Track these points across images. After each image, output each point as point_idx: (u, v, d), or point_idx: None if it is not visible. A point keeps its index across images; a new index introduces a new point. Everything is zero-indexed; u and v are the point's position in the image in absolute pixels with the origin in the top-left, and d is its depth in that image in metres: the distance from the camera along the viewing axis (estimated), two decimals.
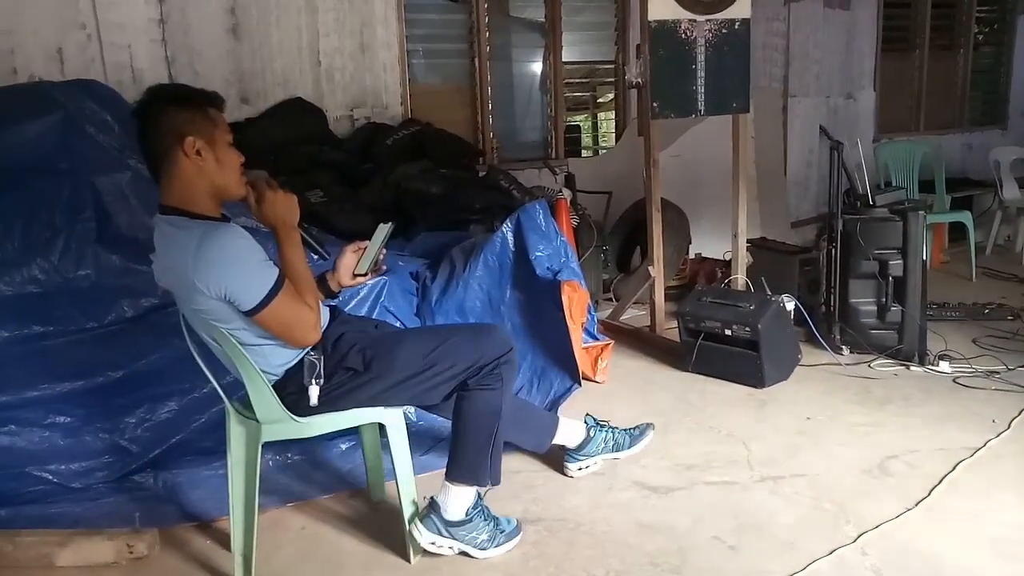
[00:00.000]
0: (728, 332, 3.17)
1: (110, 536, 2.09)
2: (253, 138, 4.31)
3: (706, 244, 5.06)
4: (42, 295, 2.52)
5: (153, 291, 2.59)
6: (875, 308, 3.40)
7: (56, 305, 2.52)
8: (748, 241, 4.14)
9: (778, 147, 6.11)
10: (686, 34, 3.53)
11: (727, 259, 4.31)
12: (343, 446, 2.68)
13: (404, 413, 2.07)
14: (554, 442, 2.42)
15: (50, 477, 2.43)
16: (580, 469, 2.45)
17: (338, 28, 4.75)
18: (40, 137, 2.61)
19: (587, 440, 2.44)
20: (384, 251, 2.09)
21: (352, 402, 1.92)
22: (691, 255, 5.00)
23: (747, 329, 3.10)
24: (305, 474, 2.57)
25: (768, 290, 3.77)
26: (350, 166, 4.27)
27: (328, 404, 1.89)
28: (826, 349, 3.44)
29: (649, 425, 2.61)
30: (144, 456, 2.54)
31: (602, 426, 2.49)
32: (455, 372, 1.93)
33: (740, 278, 3.94)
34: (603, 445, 2.46)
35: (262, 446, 1.92)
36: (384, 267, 2.13)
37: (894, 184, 5.24)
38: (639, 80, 3.65)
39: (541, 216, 3.06)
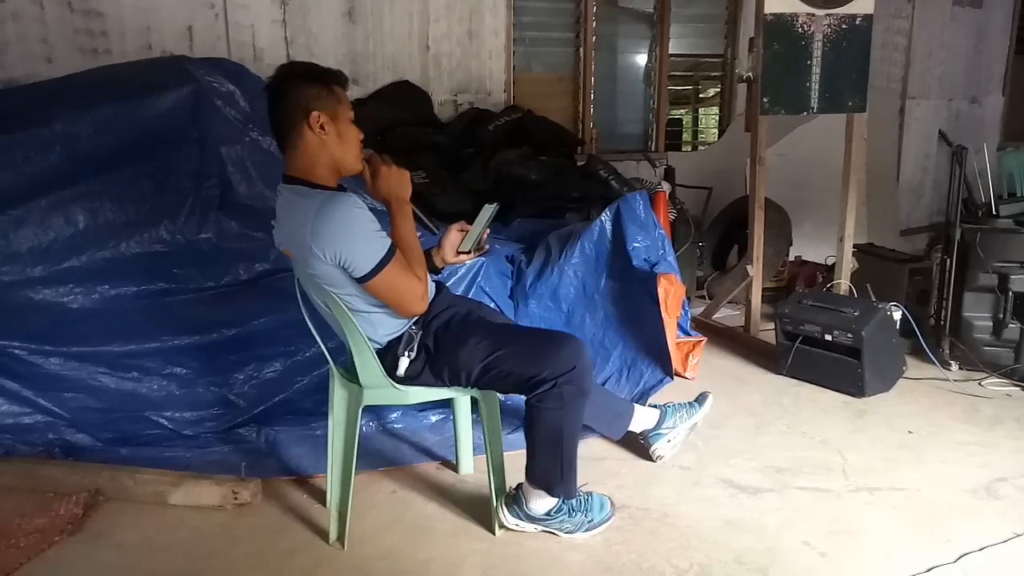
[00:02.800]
0: (828, 337, 3.07)
1: (218, 482, 2.23)
2: (360, 118, 4.44)
3: (807, 247, 4.89)
4: (167, 254, 2.69)
5: (266, 256, 2.73)
6: (991, 324, 3.22)
7: (179, 264, 2.69)
8: (855, 246, 3.98)
9: (892, 151, 5.84)
10: (803, 28, 3.42)
11: (829, 264, 4.16)
12: (433, 418, 2.77)
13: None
14: (632, 429, 2.44)
15: (165, 423, 2.62)
16: (668, 442, 2.46)
17: (448, 15, 4.84)
18: (175, 107, 2.79)
19: (662, 415, 2.46)
20: (488, 231, 2.13)
21: (433, 380, 1.98)
22: (791, 257, 4.86)
23: (849, 335, 2.99)
24: (398, 442, 2.66)
25: (873, 297, 3.62)
26: (452, 149, 4.36)
27: (414, 378, 1.97)
28: (933, 363, 3.28)
29: (705, 392, 2.62)
30: (249, 411, 2.70)
31: (668, 405, 2.51)
32: (512, 381, 1.93)
33: (844, 283, 3.80)
34: (678, 417, 2.48)
35: (362, 410, 2.01)
36: (487, 246, 2.18)
37: (1019, 195, 4.91)
38: (750, 74, 3.56)
39: (641, 207, 3.04)
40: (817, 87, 3.54)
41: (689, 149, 6.67)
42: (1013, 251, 3.12)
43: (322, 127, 1.83)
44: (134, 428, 2.58)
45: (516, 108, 4.80)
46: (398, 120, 4.48)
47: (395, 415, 2.77)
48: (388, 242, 1.83)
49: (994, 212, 3.25)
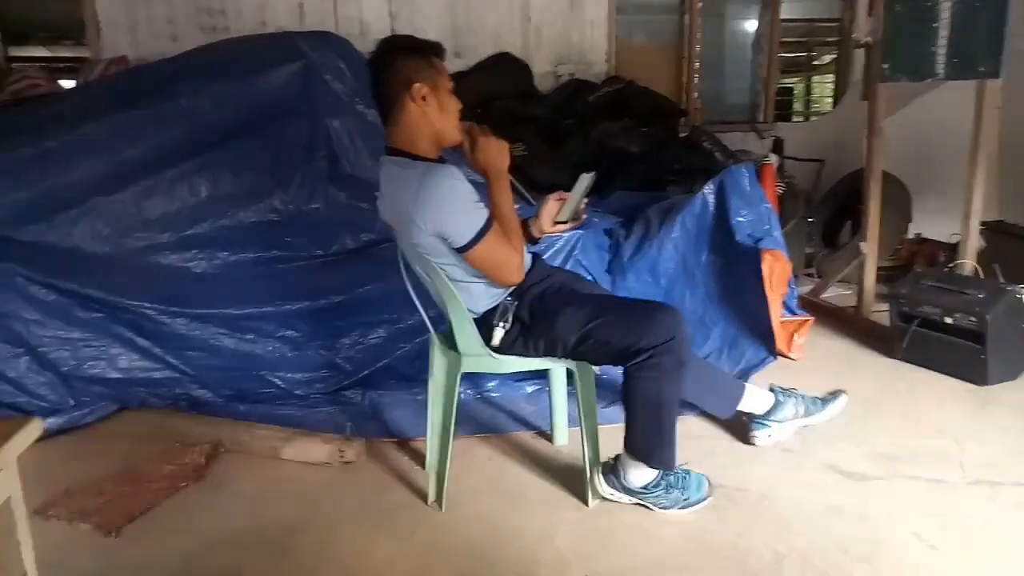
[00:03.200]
0: (949, 320, 2.88)
1: (325, 440, 2.35)
2: (462, 91, 4.47)
3: (929, 225, 4.59)
4: (280, 223, 2.83)
5: (371, 226, 2.82)
6: None
7: (291, 233, 2.83)
8: (983, 224, 3.70)
9: None
10: None
11: (952, 243, 3.89)
12: (529, 389, 2.80)
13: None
14: (740, 409, 2.35)
15: (279, 383, 2.77)
16: (769, 436, 2.36)
17: None
18: (286, 83, 2.91)
19: (776, 405, 2.35)
20: (586, 200, 2.11)
21: (528, 351, 1.99)
22: (910, 235, 4.58)
23: (972, 319, 2.80)
24: (495, 410, 2.71)
25: (1002, 279, 3.36)
26: (552, 121, 4.35)
27: (509, 348, 1.98)
28: None
29: (841, 391, 2.45)
30: (355, 374, 2.81)
31: (789, 393, 2.38)
32: (609, 351, 1.91)
33: (969, 263, 3.54)
34: (794, 411, 2.36)
35: (461, 377, 2.05)
36: (584, 216, 2.16)
37: None
38: (869, 39, 3.35)
39: (747, 180, 2.93)
40: (944, 51, 3.28)
41: (801, 119, 6.39)
42: None
43: (424, 98, 1.86)
44: (251, 386, 2.74)
45: (617, 79, 4.72)
46: (498, 93, 4.50)
47: (492, 384, 2.81)
48: (486, 213, 1.85)
49: None
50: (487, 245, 1.85)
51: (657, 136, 4.00)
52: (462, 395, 2.76)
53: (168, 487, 2.17)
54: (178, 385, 2.67)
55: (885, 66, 3.28)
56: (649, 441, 1.96)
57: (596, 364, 2.07)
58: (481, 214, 1.84)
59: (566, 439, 2.45)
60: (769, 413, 2.35)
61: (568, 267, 2.88)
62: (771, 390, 2.39)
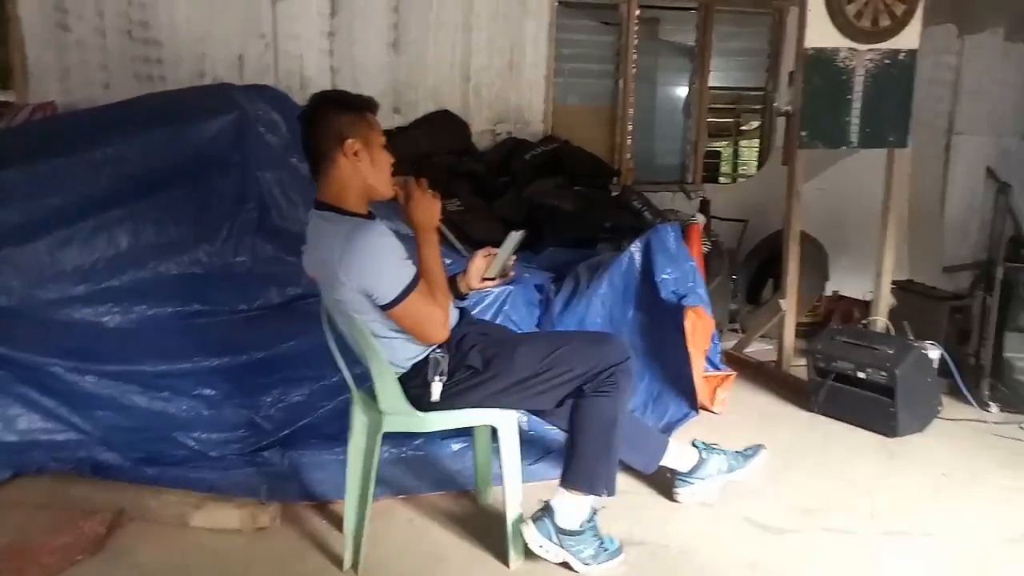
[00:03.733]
0: (862, 375, 3.01)
1: (238, 505, 2.26)
2: (400, 146, 4.52)
3: (845, 283, 4.80)
4: (204, 276, 2.77)
5: (299, 281, 2.78)
6: None
7: (215, 287, 2.77)
8: (893, 282, 3.90)
9: (936, 186, 5.70)
10: (844, 63, 3.39)
11: (866, 300, 4.08)
12: (455, 447, 2.76)
13: (517, 421, 2.13)
14: (665, 464, 2.38)
15: (192, 444, 2.65)
16: (692, 494, 2.39)
17: (489, 47, 4.93)
18: (219, 134, 2.89)
19: (700, 463, 2.38)
20: (514, 258, 2.15)
21: (470, 400, 1.99)
22: (828, 293, 4.77)
23: (883, 373, 2.92)
24: (418, 470, 2.66)
25: (911, 335, 3.53)
26: (487, 178, 4.41)
27: (448, 401, 1.97)
28: (972, 404, 3.18)
29: (760, 446, 2.51)
30: (275, 434, 2.72)
31: (712, 449, 2.43)
32: (572, 376, 1.97)
33: (881, 320, 3.72)
34: (718, 467, 2.39)
35: (381, 437, 2.02)
36: (512, 273, 2.19)
37: None
38: (789, 108, 3.54)
39: (672, 239, 3.03)
40: (857, 121, 3.50)
41: (729, 181, 6.64)
42: None
43: (356, 154, 1.88)
44: (162, 448, 2.61)
45: (553, 138, 4.85)
46: (436, 149, 4.56)
47: (416, 442, 2.76)
48: (413, 270, 1.87)
49: None
50: (412, 303, 1.85)
51: (589, 195, 4.11)
52: (385, 454, 2.71)
53: (61, 560, 2.00)
54: (82, 448, 2.51)
55: (803, 133, 3.46)
56: (597, 466, 1.98)
57: (548, 404, 2.06)
58: (407, 271, 1.86)
59: (491, 498, 2.43)
60: (693, 470, 2.38)
61: (498, 322, 2.90)
62: (694, 446, 2.42)
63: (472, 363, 1.96)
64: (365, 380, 2.11)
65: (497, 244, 2.18)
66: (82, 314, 2.65)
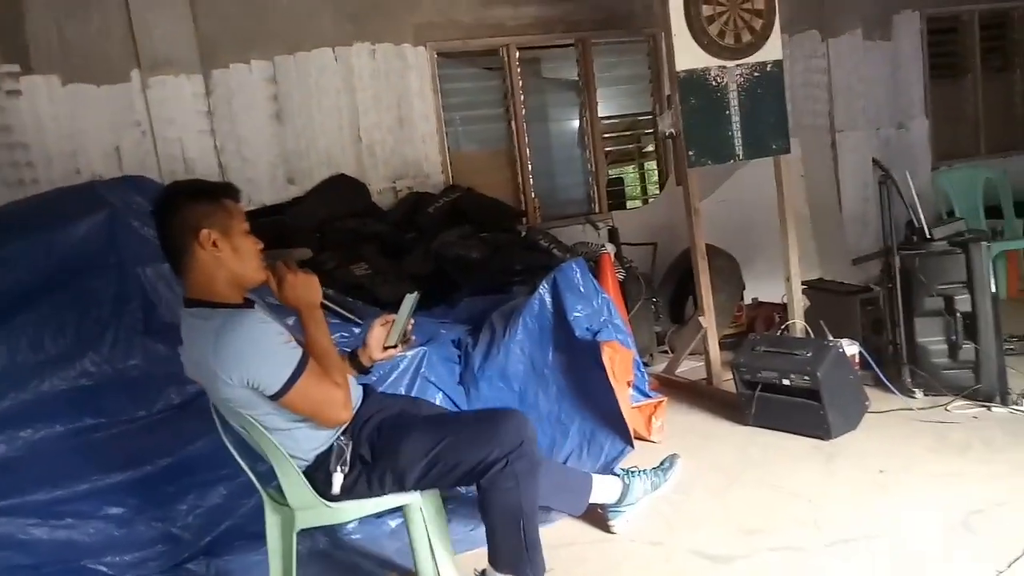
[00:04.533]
0: (786, 382, 3.02)
1: None
2: (300, 216, 4.44)
3: (762, 288, 4.90)
4: (94, 387, 2.57)
5: None
6: (946, 347, 3.20)
7: (107, 396, 2.58)
8: (803, 283, 3.99)
9: (830, 184, 5.95)
10: (717, 81, 3.49)
11: (785, 303, 4.15)
12: (392, 524, 2.62)
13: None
14: (594, 501, 2.36)
15: (105, 570, 2.45)
16: (627, 521, 2.40)
17: (376, 105, 4.89)
18: (89, 234, 2.72)
19: (625, 490, 2.39)
20: (412, 322, 2.07)
21: (373, 490, 1.88)
22: (748, 301, 4.86)
23: (806, 378, 2.94)
24: (356, 556, 2.52)
25: (828, 334, 3.59)
26: (394, 236, 4.34)
27: (351, 492, 1.86)
28: (895, 393, 3.23)
29: (675, 455, 2.61)
30: (196, 543, 2.54)
31: (633, 472, 2.45)
32: (462, 470, 1.85)
33: (798, 323, 3.78)
34: (643, 488, 2.42)
35: (302, 532, 1.89)
36: (412, 338, 2.11)
37: (957, 214, 4.99)
38: (671, 131, 3.62)
39: (579, 275, 3.00)
40: (740, 135, 3.60)
41: (641, 204, 6.75)
42: (952, 272, 3.13)
43: (215, 244, 1.76)
44: None
45: (455, 188, 4.82)
46: (337, 214, 4.46)
47: (351, 526, 2.62)
48: (298, 353, 1.75)
49: (928, 236, 3.27)
50: (304, 386, 1.74)
51: (497, 240, 4.07)
52: (320, 543, 2.57)
53: None
54: None
55: (691, 153, 3.53)
56: (516, 554, 1.88)
57: (452, 487, 1.98)
58: (292, 355, 1.74)
59: (433, 574, 2.30)
60: (621, 499, 2.38)
61: (416, 386, 2.80)
62: (614, 474, 2.44)
63: (364, 454, 1.86)
64: (273, 477, 1.97)
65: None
66: None
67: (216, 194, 1.81)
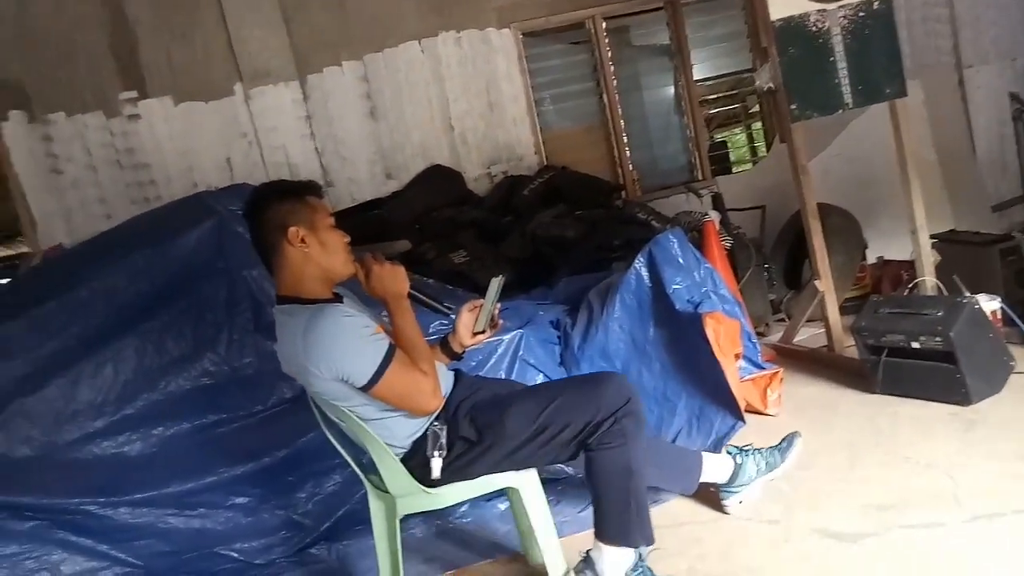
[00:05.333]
0: (915, 345, 2.77)
1: None
2: (399, 210, 4.54)
3: (889, 245, 4.55)
4: (214, 386, 2.73)
5: None
6: None
7: (226, 393, 2.72)
8: (934, 236, 3.65)
9: (960, 126, 5.42)
10: (817, 26, 3.23)
11: (913, 260, 3.83)
12: (501, 507, 2.63)
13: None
14: (704, 480, 2.26)
15: (236, 555, 2.60)
16: (740, 501, 2.28)
17: (465, 92, 4.91)
18: (199, 243, 2.88)
19: (737, 470, 2.26)
20: (499, 306, 2.05)
21: (474, 472, 1.87)
22: (872, 260, 4.52)
23: (937, 339, 2.69)
24: (465, 539, 2.54)
25: (964, 289, 3.27)
26: (490, 222, 4.34)
27: (453, 474, 1.86)
28: None
29: (795, 433, 2.38)
30: (316, 529, 2.65)
31: (746, 451, 2.31)
32: (571, 433, 1.83)
33: (928, 280, 3.46)
34: (756, 469, 2.28)
35: (414, 516, 1.91)
36: (501, 322, 2.09)
37: None
38: (771, 85, 3.39)
39: (676, 246, 2.88)
40: (847, 82, 3.32)
41: (750, 167, 6.45)
42: None
43: (302, 240, 1.81)
44: (206, 566, 2.56)
45: (549, 168, 4.76)
46: (434, 204, 4.52)
47: (462, 509, 2.65)
48: (385, 344, 1.77)
49: None
50: (392, 376, 1.75)
51: (593, 217, 3.99)
52: (431, 528, 2.62)
53: None
54: None
55: (793, 107, 3.30)
56: (624, 520, 1.84)
57: (558, 460, 1.93)
58: (379, 346, 1.76)
59: (541, 557, 2.27)
60: (732, 479, 2.26)
61: (515, 369, 2.78)
62: (728, 452, 2.32)
63: (466, 435, 1.85)
64: (375, 466, 2.00)
65: (508, 288, 2.09)
66: (103, 448, 2.63)
67: (300, 192, 1.86)
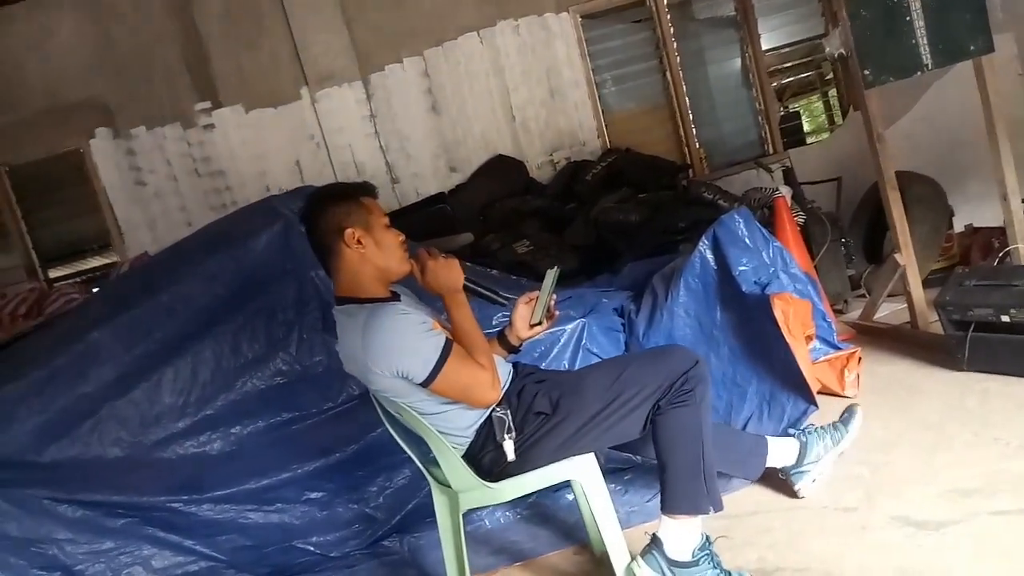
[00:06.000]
0: (1006, 318, 2.60)
1: None
2: (463, 202, 4.57)
3: (979, 213, 4.28)
4: (286, 384, 2.82)
5: None
6: None
7: (298, 392, 2.81)
8: None
9: None
10: None
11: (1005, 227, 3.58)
12: (570, 496, 2.62)
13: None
14: (772, 465, 2.20)
15: (313, 548, 2.69)
16: (812, 480, 2.22)
17: (525, 80, 4.88)
18: (269, 245, 2.97)
19: (803, 448, 2.20)
20: (555, 297, 2.03)
21: (548, 448, 1.86)
22: (960, 228, 4.26)
23: None
24: (533, 530, 2.55)
25: None
26: (554, 210, 4.32)
27: (526, 454, 1.86)
28: None
29: (853, 406, 2.36)
30: (388, 522, 2.72)
31: (808, 430, 2.25)
32: (646, 395, 1.84)
33: (1021, 248, 3.23)
34: (823, 446, 2.22)
35: (477, 508, 1.92)
36: (557, 312, 2.07)
37: None
38: (842, 51, 3.22)
39: (742, 226, 2.78)
40: (925, 42, 3.12)
41: (827, 136, 6.18)
42: None
43: (359, 241, 1.84)
44: (285, 559, 2.66)
45: (612, 151, 4.70)
46: (497, 195, 4.53)
47: (531, 500, 2.66)
48: (442, 339, 1.78)
49: None
50: (450, 371, 1.77)
51: (657, 199, 3.90)
52: (500, 519, 2.64)
53: None
54: (214, 574, 2.61)
55: (866, 72, 3.13)
56: (694, 483, 1.82)
57: (633, 432, 1.91)
58: (436, 342, 1.78)
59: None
60: (801, 459, 2.20)
61: (578, 358, 2.76)
62: (790, 434, 2.26)
63: (540, 409, 1.86)
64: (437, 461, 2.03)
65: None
66: (186, 448, 2.75)
67: (354, 193, 1.90)
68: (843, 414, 2.34)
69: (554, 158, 4.92)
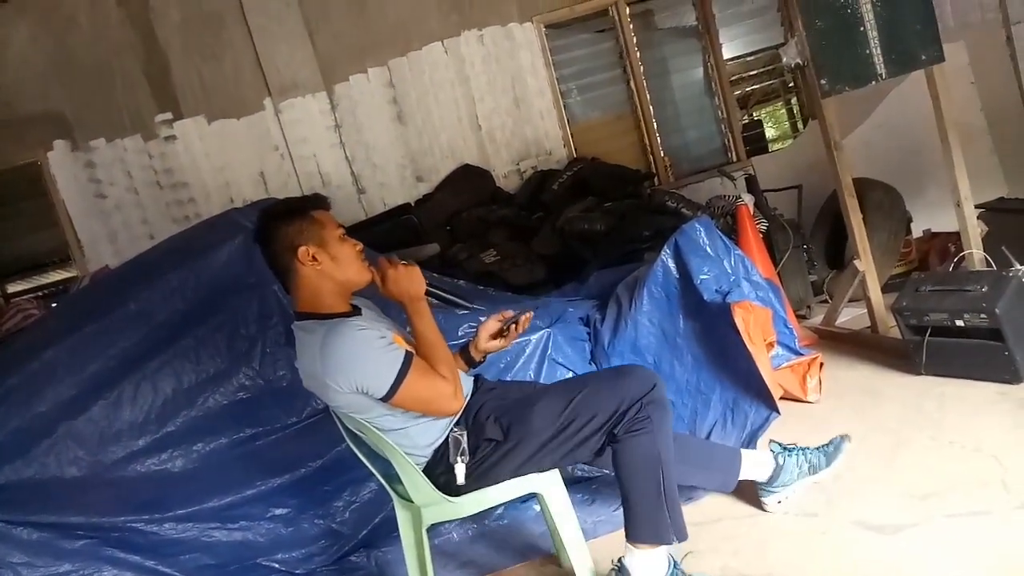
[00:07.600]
0: (959, 323, 2.65)
1: None
2: (430, 212, 4.56)
3: (937, 218, 4.37)
4: (250, 399, 2.78)
5: None
6: None
7: (262, 407, 2.77)
8: (980, 206, 3.49)
9: (1010, 87, 5.14)
10: None
11: None
12: (536, 507, 2.62)
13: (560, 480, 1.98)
14: (744, 478, 2.19)
15: (278, 566, 2.65)
16: (779, 501, 2.19)
17: (491, 89, 4.89)
18: (230, 259, 2.93)
19: (778, 469, 2.17)
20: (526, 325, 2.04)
21: (501, 474, 1.86)
22: (918, 233, 4.35)
23: (983, 316, 2.57)
24: (499, 542, 2.54)
25: (1014, 261, 3.11)
26: (520, 219, 4.33)
27: (478, 479, 1.85)
28: None
29: (844, 437, 2.24)
30: (355, 537, 2.68)
31: (790, 450, 2.20)
32: (599, 423, 1.81)
33: (975, 253, 3.31)
34: (797, 471, 2.17)
35: (443, 522, 1.91)
36: (515, 331, 2.06)
37: None
38: (798, 60, 3.28)
39: (703, 235, 2.81)
40: (879, 51, 3.19)
41: (791, 143, 6.28)
42: None
43: (314, 258, 1.82)
44: None
45: (578, 160, 4.72)
46: (464, 204, 4.52)
47: (497, 512, 2.65)
48: (401, 353, 1.77)
49: None
50: (411, 385, 1.76)
51: (622, 208, 3.93)
52: (467, 532, 2.63)
53: None
54: None
55: (823, 82, 3.19)
56: (656, 513, 1.80)
57: (586, 457, 1.91)
58: (395, 356, 1.76)
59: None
60: (772, 479, 2.17)
61: (544, 369, 2.76)
62: (771, 449, 2.23)
63: (491, 435, 1.84)
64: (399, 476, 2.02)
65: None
66: (147, 466, 2.69)
67: (305, 208, 1.87)
68: (829, 444, 2.23)
69: (520, 167, 4.93)
